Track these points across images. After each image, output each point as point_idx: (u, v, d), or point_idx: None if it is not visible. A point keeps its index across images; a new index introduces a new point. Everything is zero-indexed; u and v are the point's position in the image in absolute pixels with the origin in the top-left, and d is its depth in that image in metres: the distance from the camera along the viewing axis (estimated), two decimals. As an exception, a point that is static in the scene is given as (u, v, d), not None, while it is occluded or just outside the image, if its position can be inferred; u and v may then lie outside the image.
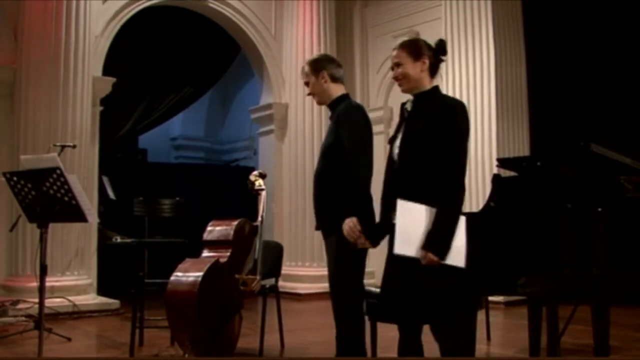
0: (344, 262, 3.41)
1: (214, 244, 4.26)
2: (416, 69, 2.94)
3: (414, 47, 2.97)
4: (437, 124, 2.82)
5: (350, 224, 3.15)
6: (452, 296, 2.82)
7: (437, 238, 2.71)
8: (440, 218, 2.72)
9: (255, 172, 4.50)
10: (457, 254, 2.72)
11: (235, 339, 4.30)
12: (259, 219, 4.31)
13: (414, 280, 2.79)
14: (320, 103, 3.66)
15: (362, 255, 3.42)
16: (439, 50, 3.00)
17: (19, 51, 6.70)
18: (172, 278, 4.07)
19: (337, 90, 3.58)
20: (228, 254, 4.18)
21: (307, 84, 3.61)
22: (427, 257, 2.70)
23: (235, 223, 4.30)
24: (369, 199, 3.31)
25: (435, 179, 2.76)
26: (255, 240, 4.29)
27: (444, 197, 2.75)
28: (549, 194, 3.43)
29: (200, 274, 3.97)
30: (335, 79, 3.57)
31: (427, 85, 2.96)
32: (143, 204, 5.92)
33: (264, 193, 4.37)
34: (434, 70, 2.98)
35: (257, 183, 4.41)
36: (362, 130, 3.46)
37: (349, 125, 3.41)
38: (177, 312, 4.00)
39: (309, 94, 3.65)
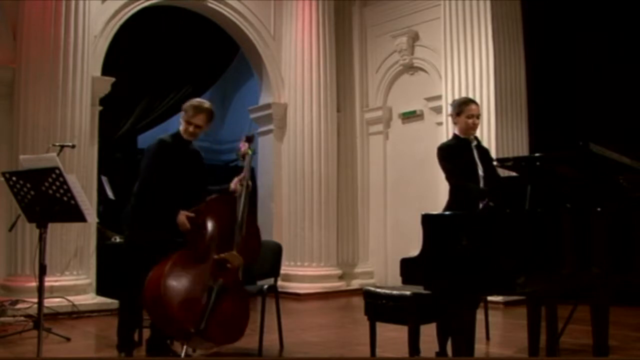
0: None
1: (188, 234, 4.21)
2: None
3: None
4: None
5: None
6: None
7: None
8: None
9: (243, 139, 4.52)
10: None
11: (242, 321, 4.10)
12: (245, 183, 4.29)
13: None
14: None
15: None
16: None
17: (18, 51, 6.70)
18: (146, 281, 4.00)
19: None
20: (197, 239, 4.13)
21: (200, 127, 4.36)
22: None
23: (202, 205, 4.26)
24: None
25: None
26: (238, 208, 4.24)
27: None
28: (548, 193, 3.43)
29: (162, 273, 3.91)
30: None
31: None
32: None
33: (248, 157, 4.39)
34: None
35: (243, 149, 4.43)
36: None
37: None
38: (156, 314, 3.97)
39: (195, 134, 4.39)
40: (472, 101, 4.37)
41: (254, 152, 4.56)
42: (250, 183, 4.37)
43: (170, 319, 3.87)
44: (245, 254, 4.19)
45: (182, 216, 4.17)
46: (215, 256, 4.07)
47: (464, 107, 4.26)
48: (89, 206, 3.84)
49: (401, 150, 8.78)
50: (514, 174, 3.82)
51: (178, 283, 3.92)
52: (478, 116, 4.28)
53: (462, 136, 4.27)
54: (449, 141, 4.49)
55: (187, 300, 3.89)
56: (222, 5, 8.41)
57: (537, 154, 3.71)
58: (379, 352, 4.05)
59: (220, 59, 9.85)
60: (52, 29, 6.52)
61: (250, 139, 4.53)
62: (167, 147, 4.34)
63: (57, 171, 3.60)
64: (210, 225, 4.21)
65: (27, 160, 3.83)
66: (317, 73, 8.63)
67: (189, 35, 8.95)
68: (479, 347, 4.36)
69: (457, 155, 4.20)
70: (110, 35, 7.43)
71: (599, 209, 3.28)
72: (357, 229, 9.13)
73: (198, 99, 4.50)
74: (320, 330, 5.91)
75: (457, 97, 7.55)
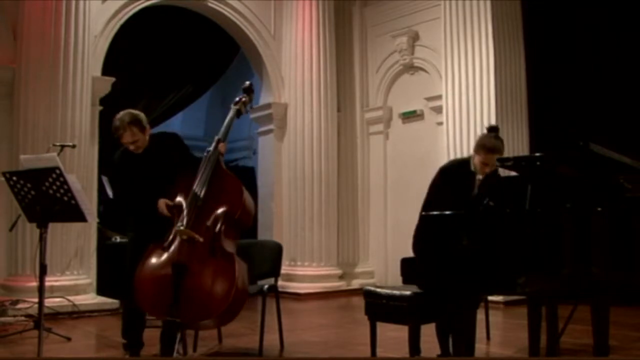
0: None
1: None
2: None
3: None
4: None
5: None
6: None
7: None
8: None
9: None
10: None
11: (219, 294, 3.78)
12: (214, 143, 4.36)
13: None
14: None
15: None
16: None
17: (18, 51, 6.70)
18: None
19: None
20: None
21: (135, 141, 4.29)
22: None
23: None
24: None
25: None
26: (199, 175, 4.20)
27: None
28: (548, 193, 3.43)
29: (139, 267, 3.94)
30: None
31: None
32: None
33: (230, 112, 4.51)
34: None
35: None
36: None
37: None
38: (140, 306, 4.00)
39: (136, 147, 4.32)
40: (493, 150, 3.98)
41: (239, 112, 4.49)
42: (221, 143, 4.32)
43: (150, 312, 3.90)
44: (223, 210, 3.98)
45: (161, 202, 4.08)
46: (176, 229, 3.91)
47: (481, 152, 4.00)
48: (89, 206, 3.84)
49: (401, 150, 8.78)
50: (514, 173, 3.82)
51: (148, 272, 3.89)
52: (493, 165, 3.98)
53: (472, 168, 4.08)
54: (455, 163, 4.39)
55: (156, 289, 3.82)
56: (222, 5, 8.41)
57: (537, 154, 3.71)
58: (379, 352, 4.04)
59: (221, 59, 9.85)
60: (52, 29, 6.52)
61: (246, 90, 4.50)
62: (117, 162, 4.43)
63: (58, 171, 3.60)
64: (177, 202, 4.11)
65: (28, 160, 3.83)
66: (317, 73, 8.63)
67: (189, 35, 8.95)
68: (480, 347, 4.36)
69: (450, 182, 4.11)
70: (110, 35, 7.43)
71: (599, 209, 3.28)
72: (357, 229, 9.13)
73: (118, 117, 4.41)
74: (320, 330, 5.91)
75: (457, 97, 7.57)
